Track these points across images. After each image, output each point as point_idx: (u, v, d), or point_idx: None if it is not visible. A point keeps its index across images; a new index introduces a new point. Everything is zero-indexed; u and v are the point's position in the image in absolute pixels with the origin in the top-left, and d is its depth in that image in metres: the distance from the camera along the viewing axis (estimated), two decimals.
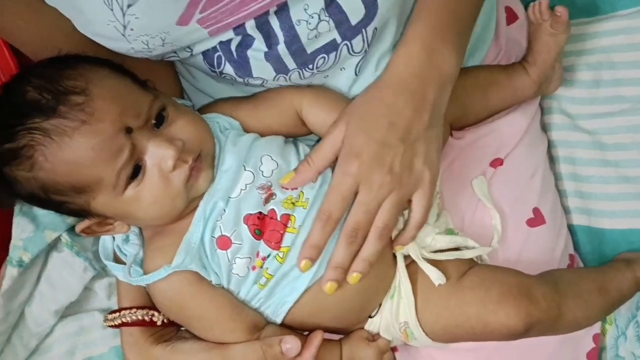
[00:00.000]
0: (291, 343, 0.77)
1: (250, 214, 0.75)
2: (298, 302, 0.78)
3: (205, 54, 0.78)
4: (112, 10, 0.69)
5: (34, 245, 0.87)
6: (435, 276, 0.81)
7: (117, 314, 0.80)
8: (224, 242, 0.75)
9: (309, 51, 0.77)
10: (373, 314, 0.84)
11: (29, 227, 0.88)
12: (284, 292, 0.78)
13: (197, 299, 0.76)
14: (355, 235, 0.75)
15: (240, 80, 0.81)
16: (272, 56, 0.77)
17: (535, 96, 1.00)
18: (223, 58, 0.78)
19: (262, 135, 0.82)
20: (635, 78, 1.01)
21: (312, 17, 0.74)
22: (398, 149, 0.75)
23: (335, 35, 0.77)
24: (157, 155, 0.72)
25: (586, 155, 1.01)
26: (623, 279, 0.92)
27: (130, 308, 0.80)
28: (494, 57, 1.00)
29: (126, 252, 0.80)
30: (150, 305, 0.80)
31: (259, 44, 0.76)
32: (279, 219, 0.76)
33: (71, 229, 0.89)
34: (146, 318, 0.79)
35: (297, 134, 0.84)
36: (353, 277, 0.76)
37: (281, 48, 0.76)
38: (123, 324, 0.80)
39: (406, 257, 0.83)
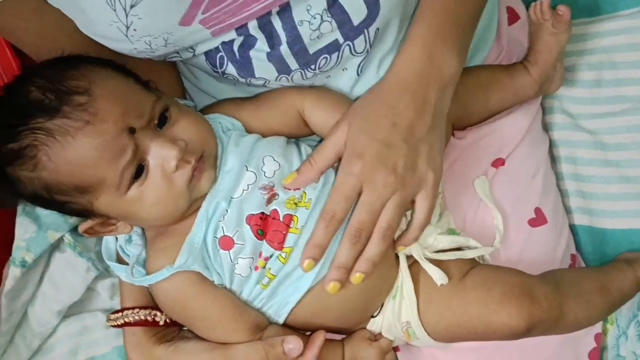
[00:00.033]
0: (293, 343, 0.77)
1: (253, 214, 0.75)
2: (301, 302, 0.78)
3: (207, 54, 0.78)
4: (114, 10, 0.69)
5: (36, 245, 0.87)
6: (437, 276, 0.81)
7: (120, 314, 0.80)
8: (226, 243, 0.75)
9: (311, 51, 0.77)
10: (375, 314, 0.84)
11: (32, 228, 0.88)
12: (286, 292, 0.78)
13: (199, 299, 0.76)
14: (359, 235, 0.75)
15: (243, 80, 0.81)
16: (274, 56, 0.77)
17: (537, 96, 1.00)
18: (225, 58, 0.78)
19: (264, 136, 0.82)
20: (636, 78, 1.01)
21: (315, 18, 0.74)
22: (401, 150, 0.75)
23: (337, 35, 0.77)
24: (160, 155, 0.72)
25: (587, 155, 1.01)
26: (624, 278, 0.92)
27: (133, 308, 0.80)
28: (495, 57, 1.00)
29: (129, 253, 0.80)
30: (153, 305, 0.80)
31: (261, 45, 0.76)
32: (281, 219, 0.76)
33: (74, 230, 0.89)
34: (149, 318, 0.79)
35: (299, 134, 0.84)
36: (356, 277, 0.76)
37: (283, 48, 0.76)
38: (126, 324, 0.80)
39: (408, 257, 0.83)
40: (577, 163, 1.01)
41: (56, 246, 0.90)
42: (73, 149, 0.69)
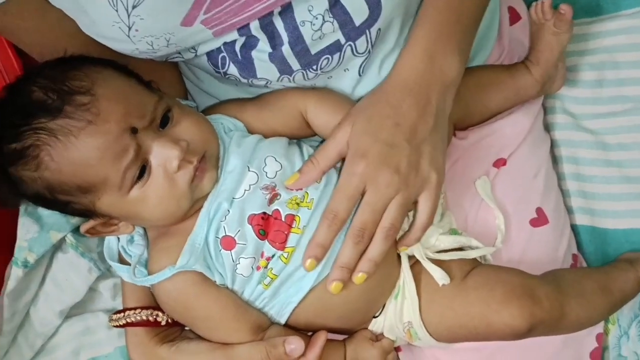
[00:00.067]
0: (295, 343, 0.77)
1: (254, 214, 0.75)
2: (303, 302, 0.78)
3: (209, 54, 0.78)
4: (116, 11, 0.69)
5: (39, 245, 0.87)
6: (439, 276, 0.81)
7: (122, 314, 0.80)
8: (228, 243, 0.75)
9: (313, 52, 0.77)
10: (377, 314, 0.84)
11: (34, 228, 0.88)
12: (288, 292, 0.78)
13: (201, 299, 0.76)
14: (362, 235, 0.75)
15: (244, 81, 0.81)
16: (276, 57, 0.77)
17: (538, 96, 1.00)
18: (227, 59, 0.78)
19: (266, 136, 0.82)
20: (638, 78, 1.01)
21: (317, 18, 0.74)
22: (404, 150, 0.75)
23: (339, 36, 0.77)
24: (162, 155, 0.72)
25: (589, 155, 1.01)
26: (626, 279, 0.92)
27: (135, 308, 0.80)
28: (497, 57, 1.00)
29: (131, 253, 0.80)
30: (155, 305, 0.80)
31: (263, 45, 0.76)
32: (283, 219, 0.76)
33: (76, 230, 0.89)
34: (150, 318, 0.79)
35: (301, 135, 0.84)
36: (359, 277, 0.76)
37: (285, 49, 0.76)
38: (128, 324, 0.80)
39: (410, 257, 0.83)
40: (578, 163, 1.01)
41: (58, 246, 0.90)
42: (75, 148, 0.69)
